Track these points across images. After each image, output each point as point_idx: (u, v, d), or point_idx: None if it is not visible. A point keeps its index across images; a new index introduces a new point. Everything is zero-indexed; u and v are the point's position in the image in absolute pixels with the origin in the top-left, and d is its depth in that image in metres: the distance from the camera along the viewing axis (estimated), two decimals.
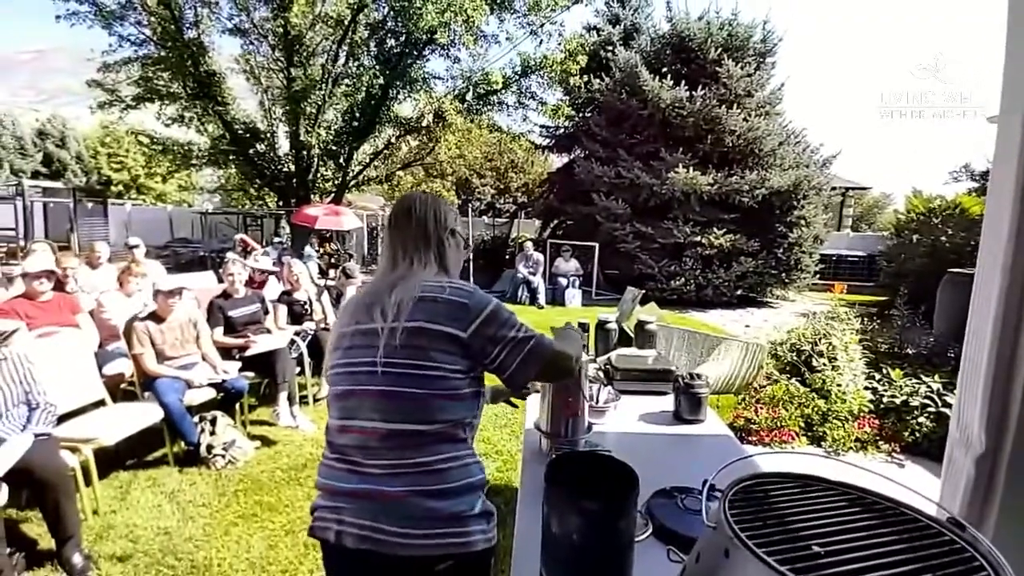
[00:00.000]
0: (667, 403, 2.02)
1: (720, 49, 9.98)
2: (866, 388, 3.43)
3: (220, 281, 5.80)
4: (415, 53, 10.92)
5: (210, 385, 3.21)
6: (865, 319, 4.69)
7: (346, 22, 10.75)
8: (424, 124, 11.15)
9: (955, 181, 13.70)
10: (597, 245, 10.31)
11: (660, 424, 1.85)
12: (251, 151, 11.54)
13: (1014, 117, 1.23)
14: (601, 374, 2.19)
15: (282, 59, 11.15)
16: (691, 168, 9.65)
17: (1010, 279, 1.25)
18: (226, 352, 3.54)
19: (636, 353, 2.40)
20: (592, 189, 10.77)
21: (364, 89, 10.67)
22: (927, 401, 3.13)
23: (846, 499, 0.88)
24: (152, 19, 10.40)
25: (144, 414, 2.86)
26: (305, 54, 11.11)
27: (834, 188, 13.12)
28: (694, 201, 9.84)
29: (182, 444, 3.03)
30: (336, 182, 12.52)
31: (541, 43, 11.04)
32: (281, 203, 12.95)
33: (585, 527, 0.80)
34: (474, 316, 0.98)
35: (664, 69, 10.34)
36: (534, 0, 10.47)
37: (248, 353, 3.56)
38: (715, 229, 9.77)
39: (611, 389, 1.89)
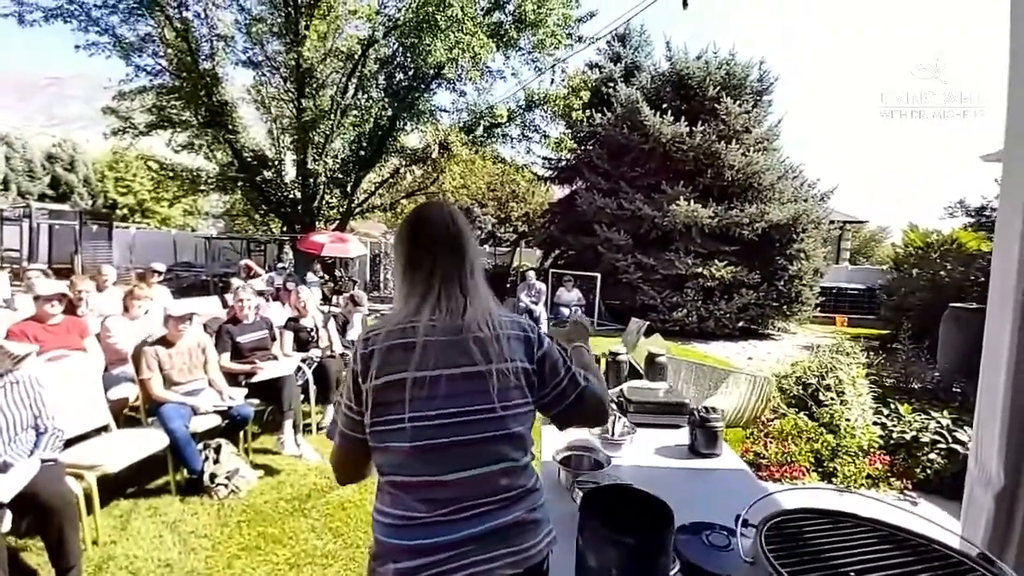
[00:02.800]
0: (680, 436, 2.01)
1: (719, 87, 10.33)
2: (875, 423, 3.41)
3: (225, 306, 5.84)
4: (422, 87, 11.28)
5: (215, 412, 3.19)
6: (870, 353, 4.70)
7: (356, 56, 11.14)
8: (430, 155, 11.41)
9: (951, 216, 13.96)
10: (599, 275, 10.38)
11: (676, 458, 1.84)
12: (258, 178, 11.75)
13: (1019, 152, 1.28)
14: (615, 406, 2.19)
15: (293, 90, 11.49)
16: (692, 201, 9.83)
17: (1022, 319, 1.28)
18: (232, 378, 3.52)
19: (648, 385, 2.41)
20: (594, 220, 10.93)
21: (372, 120, 10.96)
22: (937, 437, 3.10)
23: (877, 535, 0.89)
24: (169, 51, 10.77)
25: (149, 441, 2.83)
26: (315, 86, 11.46)
27: (832, 221, 13.33)
28: (695, 233, 9.98)
29: (184, 472, 2.99)
30: (341, 209, 12.71)
31: (552, 82, 11.43)
32: (285, 229, 13.09)
33: (625, 562, 0.80)
34: (538, 349, 1.01)
35: (664, 105, 10.67)
36: (538, 39, 10.88)
37: (254, 379, 3.54)
38: (716, 261, 9.87)
39: (627, 422, 1.89)
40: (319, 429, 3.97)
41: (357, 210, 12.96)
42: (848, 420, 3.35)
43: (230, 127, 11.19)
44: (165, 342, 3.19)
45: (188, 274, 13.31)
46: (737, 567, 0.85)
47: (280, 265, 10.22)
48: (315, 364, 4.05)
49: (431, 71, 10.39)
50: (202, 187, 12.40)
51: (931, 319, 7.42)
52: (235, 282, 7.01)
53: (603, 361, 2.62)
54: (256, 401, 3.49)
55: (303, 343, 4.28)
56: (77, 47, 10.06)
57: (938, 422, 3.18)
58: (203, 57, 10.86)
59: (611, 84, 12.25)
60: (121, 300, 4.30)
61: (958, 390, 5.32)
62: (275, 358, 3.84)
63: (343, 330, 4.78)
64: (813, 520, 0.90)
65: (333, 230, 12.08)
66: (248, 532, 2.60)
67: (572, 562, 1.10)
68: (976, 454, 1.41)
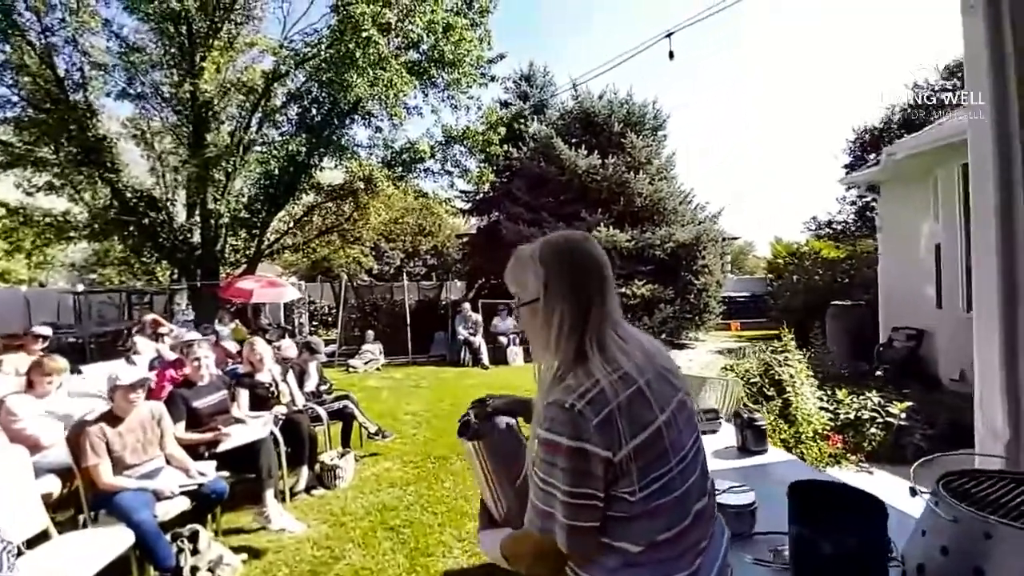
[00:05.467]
0: (718, 440, 2.19)
1: (622, 123, 11.43)
2: (821, 408, 3.94)
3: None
4: (336, 122, 10.95)
5: (183, 493, 2.73)
6: (801, 351, 5.38)
7: (259, 90, 10.54)
8: (353, 189, 11.02)
9: (808, 230, 16.82)
10: None
11: (731, 458, 2.00)
12: (146, 221, 10.38)
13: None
14: None
15: (186, 125, 10.48)
16: (610, 227, 10.61)
17: (1005, 284, 1.60)
18: (191, 450, 3.05)
19: None
20: None
21: (283, 156, 10.35)
22: (874, 414, 3.68)
23: (1011, 483, 1.10)
24: (26, 80, 9.25)
25: (109, 540, 2.34)
26: (213, 120, 10.58)
27: (724, 239, 15.19)
28: (615, 256, 10.73)
29: (152, 572, 2.50)
30: (248, 252, 11.65)
31: (467, 115, 11.78)
32: (177, 276, 11.64)
33: (863, 546, 0.90)
34: None
35: (574, 140, 11.51)
36: (452, 78, 11.21)
37: (221, 448, 3.10)
38: (636, 280, 10.70)
39: None
40: (293, 495, 3.55)
41: (267, 251, 11.97)
42: (801, 409, 3.83)
43: (109, 164, 9.81)
44: (111, 418, 2.70)
45: (52, 337, 11.13)
46: (933, 526, 0.99)
47: (185, 318, 9.00)
48: (281, 422, 3.65)
49: (348, 106, 10.16)
50: (71, 234, 10.58)
51: (815, 316, 8.73)
52: (139, 340, 6.06)
53: None
54: (226, 473, 3.05)
55: (261, 400, 3.85)
56: None
57: (872, 400, 3.78)
58: (72, 87, 9.49)
59: (522, 120, 12.95)
60: (24, 375, 3.55)
61: (846, 373, 6.33)
62: (239, 421, 3.40)
63: (300, 382, 4.38)
64: (963, 480, 1.07)
65: (240, 274, 11.00)
66: None
67: None
68: (981, 413, 1.73)
